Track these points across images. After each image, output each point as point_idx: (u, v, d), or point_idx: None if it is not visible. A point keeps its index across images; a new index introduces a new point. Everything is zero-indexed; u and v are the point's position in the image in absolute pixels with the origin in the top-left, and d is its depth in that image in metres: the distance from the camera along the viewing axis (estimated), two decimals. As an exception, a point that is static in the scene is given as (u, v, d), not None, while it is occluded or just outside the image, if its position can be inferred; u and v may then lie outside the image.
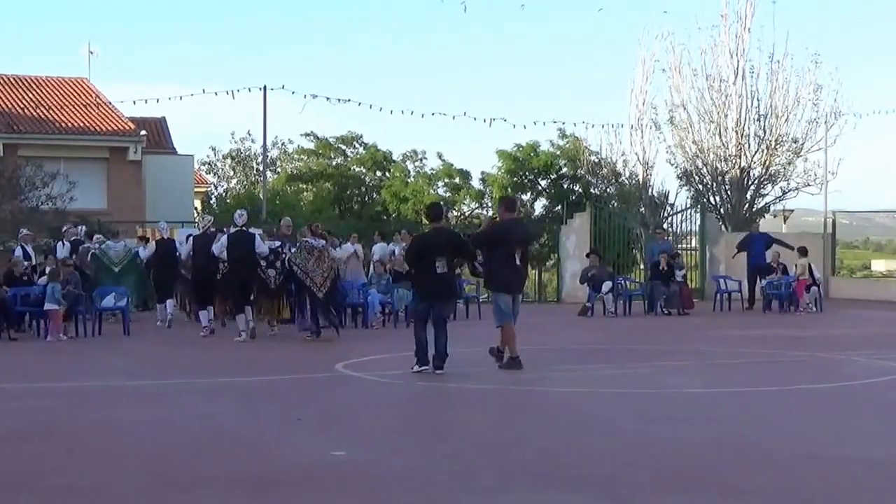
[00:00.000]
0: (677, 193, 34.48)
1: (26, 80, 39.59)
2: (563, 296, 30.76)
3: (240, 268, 18.84)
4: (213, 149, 54.05)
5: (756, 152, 33.06)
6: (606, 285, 24.97)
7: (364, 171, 48.09)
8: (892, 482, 7.96)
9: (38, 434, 9.77)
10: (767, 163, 33.02)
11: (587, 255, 26.64)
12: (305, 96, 31.55)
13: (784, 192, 34.05)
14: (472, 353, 15.44)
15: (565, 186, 42.69)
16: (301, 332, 18.59)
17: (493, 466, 8.29)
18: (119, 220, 29.52)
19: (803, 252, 26.20)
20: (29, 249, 22.68)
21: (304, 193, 46.79)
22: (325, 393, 12.73)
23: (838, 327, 22.42)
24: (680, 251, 29.57)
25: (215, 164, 54.13)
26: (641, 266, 30.24)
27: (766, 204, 34.20)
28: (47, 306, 18.83)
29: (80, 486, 7.74)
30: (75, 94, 38.81)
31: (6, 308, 18.95)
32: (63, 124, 36.14)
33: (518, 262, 14.25)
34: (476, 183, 45.07)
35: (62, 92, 38.96)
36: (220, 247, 18.96)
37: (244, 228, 19.18)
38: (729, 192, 33.25)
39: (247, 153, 53.09)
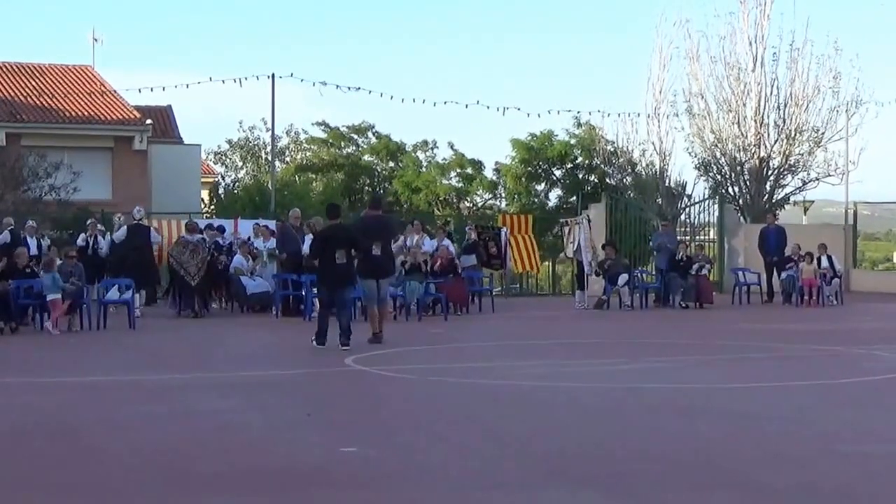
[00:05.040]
0: (695, 184, 33.91)
1: (29, 68, 39.17)
2: (579, 288, 30.15)
3: (136, 255, 21.97)
4: (230, 142, 53.63)
5: (775, 142, 32.48)
6: (623, 278, 24.54)
7: (376, 160, 47.62)
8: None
9: (41, 430, 9.61)
10: (787, 152, 32.43)
11: (602, 248, 26.09)
12: (315, 84, 30.95)
13: (804, 183, 33.41)
14: (488, 348, 15.21)
15: (580, 176, 42.25)
16: (176, 311, 21.78)
17: (506, 462, 8.21)
18: (124, 211, 28.96)
19: (822, 248, 26.00)
20: (31, 241, 22.24)
21: (314, 184, 46.33)
22: (335, 388, 12.74)
23: (859, 321, 22.27)
24: (702, 244, 29.09)
25: (224, 154, 53.69)
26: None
27: (786, 195, 33.69)
28: (49, 297, 18.40)
29: (83, 482, 7.63)
30: (79, 82, 38.39)
31: (7, 301, 18.49)
32: (67, 113, 35.74)
33: (380, 252, 16.41)
34: (489, 173, 44.58)
35: (66, 80, 38.54)
36: (119, 236, 22.34)
37: (141, 222, 22.72)
38: (748, 183, 32.67)
39: (256, 142, 52.65)
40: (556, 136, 42.21)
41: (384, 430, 9.63)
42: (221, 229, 23.69)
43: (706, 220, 32.14)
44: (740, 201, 32.82)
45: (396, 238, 18.72)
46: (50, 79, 38.32)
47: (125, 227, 22.42)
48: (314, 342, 15.64)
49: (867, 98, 32.46)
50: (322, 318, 15.91)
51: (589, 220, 25.95)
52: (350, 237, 16.13)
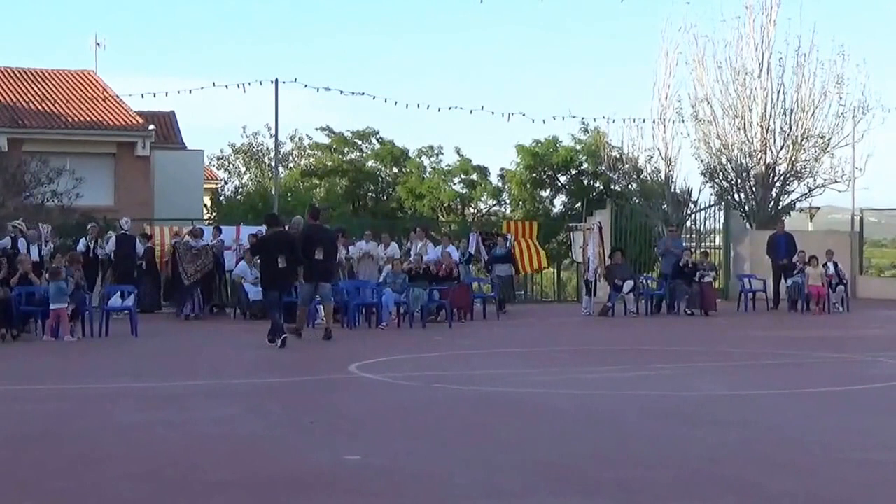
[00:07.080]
0: (701, 190, 33.79)
1: (31, 73, 38.98)
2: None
3: (124, 262, 23.15)
4: (233, 146, 53.49)
5: (781, 148, 32.33)
6: (628, 285, 24.37)
7: (380, 166, 47.44)
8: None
9: (42, 437, 9.60)
10: (793, 158, 32.27)
11: (609, 255, 25.90)
12: (319, 89, 30.82)
13: (810, 189, 33.25)
14: (492, 355, 15.04)
15: (585, 182, 42.07)
16: (182, 314, 22.78)
17: (511, 470, 8.13)
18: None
19: (829, 254, 25.91)
20: (33, 249, 22.08)
21: (318, 189, 46.16)
22: (339, 395, 12.62)
23: (865, 328, 22.18)
24: (706, 251, 28.90)
25: (227, 160, 53.55)
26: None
27: (792, 201, 33.47)
28: (53, 305, 18.20)
29: (85, 490, 7.62)
30: (82, 88, 38.19)
31: (8, 308, 18.35)
32: (69, 118, 35.59)
33: (322, 257, 17.85)
34: (494, 179, 44.38)
35: (68, 85, 38.35)
36: (109, 246, 23.38)
37: (127, 232, 23.69)
38: (754, 189, 32.50)
39: (259, 147, 52.52)
40: (562, 142, 42.12)
41: (388, 437, 9.57)
42: (199, 232, 24.01)
43: (712, 226, 31.98)
44: (746, 207, 32.66)
45: (337, 246, 20.18)
46: (52, 84, 38.13)
47: (114, 237, 23.58)
48: (277, 343, 16.60)
49: (874, 104, 32.29)
50: (274, 317, 17.23)
51: (600, 227, 25.79)
52: (290, 244, 17.41)
